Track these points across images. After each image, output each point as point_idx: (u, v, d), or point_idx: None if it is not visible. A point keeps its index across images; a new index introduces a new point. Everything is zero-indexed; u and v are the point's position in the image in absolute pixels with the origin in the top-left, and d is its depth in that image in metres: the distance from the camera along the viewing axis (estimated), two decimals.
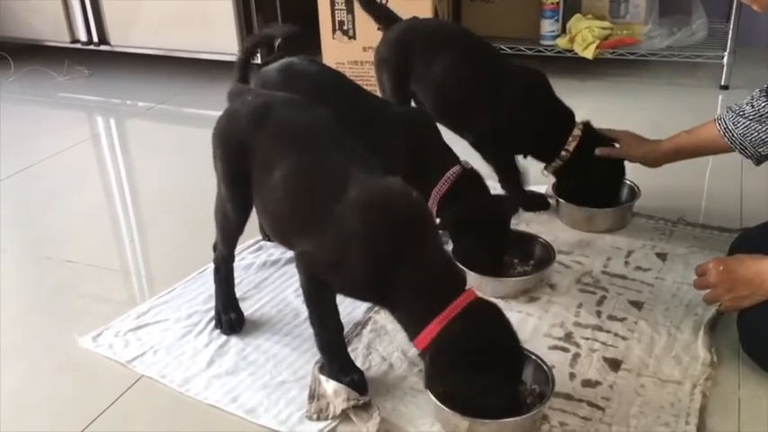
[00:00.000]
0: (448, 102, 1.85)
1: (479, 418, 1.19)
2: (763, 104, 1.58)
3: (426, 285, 1.19)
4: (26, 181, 2.35)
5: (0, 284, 1.76)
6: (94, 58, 3.40)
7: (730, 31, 2.72)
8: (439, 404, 1.21)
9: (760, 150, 1.61)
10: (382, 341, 1.47)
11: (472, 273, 1.52)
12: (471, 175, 1.61)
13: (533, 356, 1.30)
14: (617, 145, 1.82)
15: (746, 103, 1.62)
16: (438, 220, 1.54)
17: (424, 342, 1.18)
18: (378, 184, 1.23)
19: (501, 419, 1.20)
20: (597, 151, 1.79)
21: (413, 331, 1.21)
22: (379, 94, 1.94)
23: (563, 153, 1.79)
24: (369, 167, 1.28)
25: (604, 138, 1.83)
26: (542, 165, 1.88)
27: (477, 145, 1.87)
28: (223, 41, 3.00)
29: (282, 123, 1.35)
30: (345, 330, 1.38)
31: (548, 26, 2.95)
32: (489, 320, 1.19)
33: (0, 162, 2.47)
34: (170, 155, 2.53)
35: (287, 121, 1.36)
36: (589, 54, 2.82)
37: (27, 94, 3.19)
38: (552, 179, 1.92)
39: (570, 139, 1.79)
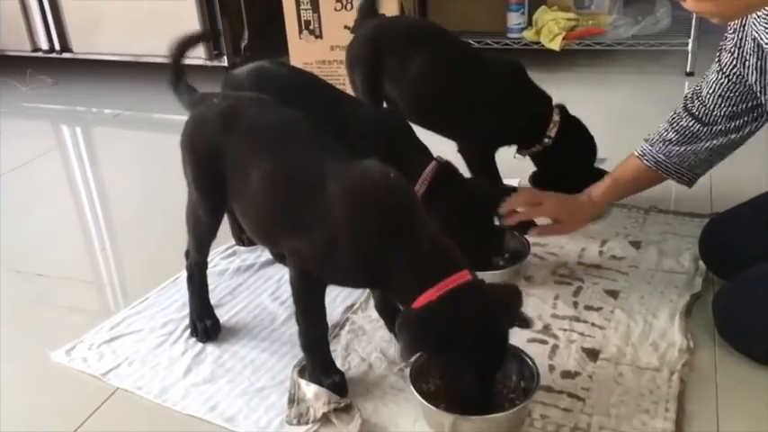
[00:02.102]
0: (428, 101, 1.84)
1: (464, 415, 1.18)
2: (691, 124, 1.51)
3: (420, 262, 1.16)
4: None
5: None
6: (58, 67, 3.35)
7: (694, 19, 2.75)
8: (423, 401, 1.20)
9: (696, 172, 1.57)
10: (360, 341, 1.47)
11: None
12: (448, 170, 1.60)
13: (518, 351, 1.29)
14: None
15: (666, 130, 1.55)
16: None
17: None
18: (356, 171, 1.22)
19: (485, 415, 1.20)
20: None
21: (409, 301, 1.16)
22: (350, 93, 1.92)
23: (545, 140, 1.80)
24: (344, 156, 1.26)
25: (580, 123, 1.83)
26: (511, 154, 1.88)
27: (465, 146, 1.86)
28: None
29: (252, 124, 1.33)
30: None
31: (514, 19, 2.97)
32: (476, 302, 1.15)
33: None
34: (139, 161, 2.49)
35: (257, 121, 1.34)
36: (556, 45, 2.84)
37: None
38: (526, 171, 1.92)
39: (551, 125, 1.79)
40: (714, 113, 1.48)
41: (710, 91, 1.47)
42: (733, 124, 1.47)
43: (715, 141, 1.50)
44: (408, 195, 1.24)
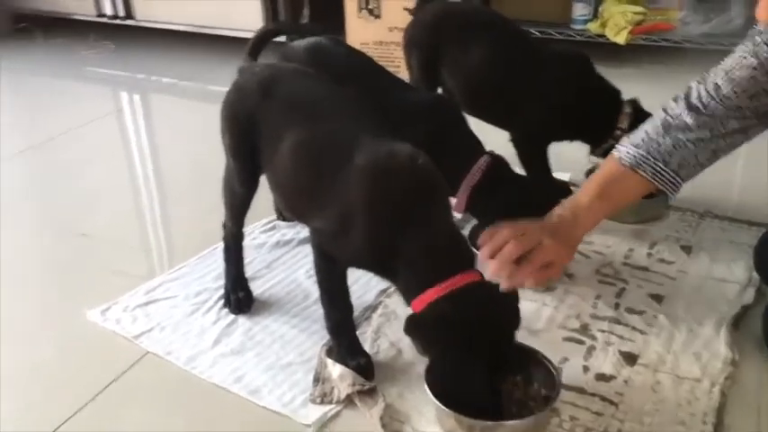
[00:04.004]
0: (485, 91, 1.80)
1: (481, 420, 1.12)
2: (696, 125, 1.25)
3: (430, 254, 1.12)
4: (47, 153, 2.36)
5: (13, 257, 1.76)
6: (120, 33, 3.41)
7: None
8: (438, 403, 1.14)
9: (689, 178, 1.30)
10: (392, 326, 1.44)
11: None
12: (501, 164, 1.55)
13: (545, 361, 1.22)
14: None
15: (662, 135, 1.28)
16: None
17: (421, 306, 1.12)
18: (383, 150, 1.18)
19: (505, 422, 1.13)
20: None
21: (412, 294, 1.13)
22: (403, 76, 1.89)
23: (617, 132, 1.72)
24: (378, 134, 1.23)
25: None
26: (566, 150, 1.82)
27: (520, 137, 1.81)
28: (247, 19, 2.98)
29: (290, 94, 1.32)
30: (355, 313, 1.36)
31: (579, 10, 2.88)
32: (483, 304, 1.11)
33: (22, 134, 2.48)
34: (192, 131, 2.51)
35: (294, 91, 1.32)
36: (621, 39, 2.75)
37: (52, 67, 3.21)
38: (584, 167, 1.86)
39: (622, 117, 1.72)
40: (735, 114, 1.24)
41: (740, 89, 1.23)
42: (750, 125, 1.26)
43: (722, 145, 1.27)
44: (433, 183, 1.19)
